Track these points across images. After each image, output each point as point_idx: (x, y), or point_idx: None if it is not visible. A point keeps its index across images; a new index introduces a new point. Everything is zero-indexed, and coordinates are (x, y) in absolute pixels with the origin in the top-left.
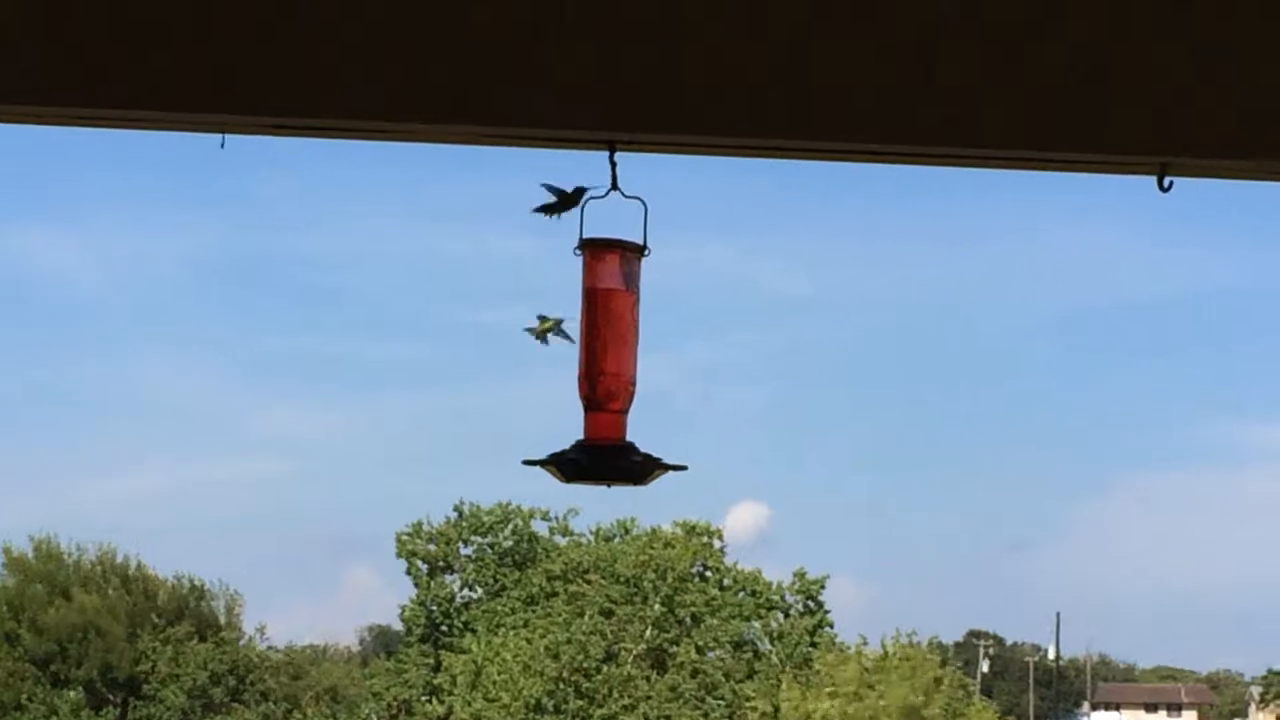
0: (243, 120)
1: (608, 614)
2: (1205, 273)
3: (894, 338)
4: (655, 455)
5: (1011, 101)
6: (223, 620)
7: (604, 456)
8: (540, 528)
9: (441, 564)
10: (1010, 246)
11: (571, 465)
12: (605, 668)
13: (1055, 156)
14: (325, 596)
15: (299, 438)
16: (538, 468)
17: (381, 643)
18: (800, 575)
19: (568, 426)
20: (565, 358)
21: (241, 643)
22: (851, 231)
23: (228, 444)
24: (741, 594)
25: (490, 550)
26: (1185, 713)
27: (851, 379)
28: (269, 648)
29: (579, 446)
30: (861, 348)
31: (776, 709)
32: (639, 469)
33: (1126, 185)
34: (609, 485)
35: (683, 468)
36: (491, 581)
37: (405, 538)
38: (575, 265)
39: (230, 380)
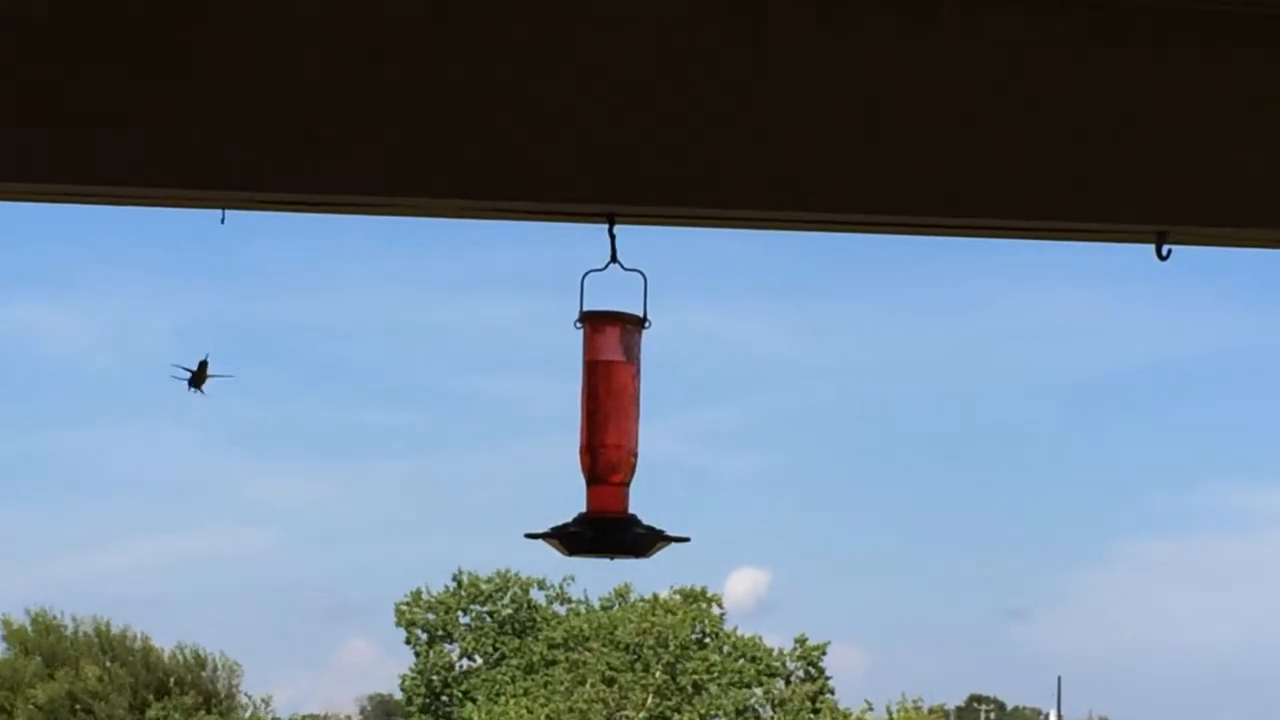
0: (234, 196)
1: (609, 682)
2: (1200, 336)
3: (890, 404)
4: (658, 527)
5: (1003, 169)
6: (223, 691)
7: (607, 530)
8: (538, 596)
9: (441, 633)
10: (1003, 310)
11: (574, 539)
12: None
13: (1051, 225)
14: (322, 666)
15: (291, 507)
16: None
17: (382, 711)
18: (801, 641)
19: (561, 494)
20: (557, 425)
21: (247, 714)
22: (848, 296)
23: (220, 514)
24: (742, 661)
25: (490, 619)
26: None
27: (849, 445)
28: (274, 718)
29: (581, 519)
30: (858, 414)
31: None
32: (642, 542)
33: (1120, 248)
34: (612, 558)
35: (685, 539)
36: (491, 650)
37: (404, 607)
38: (567, 333)
39: (221, 449)
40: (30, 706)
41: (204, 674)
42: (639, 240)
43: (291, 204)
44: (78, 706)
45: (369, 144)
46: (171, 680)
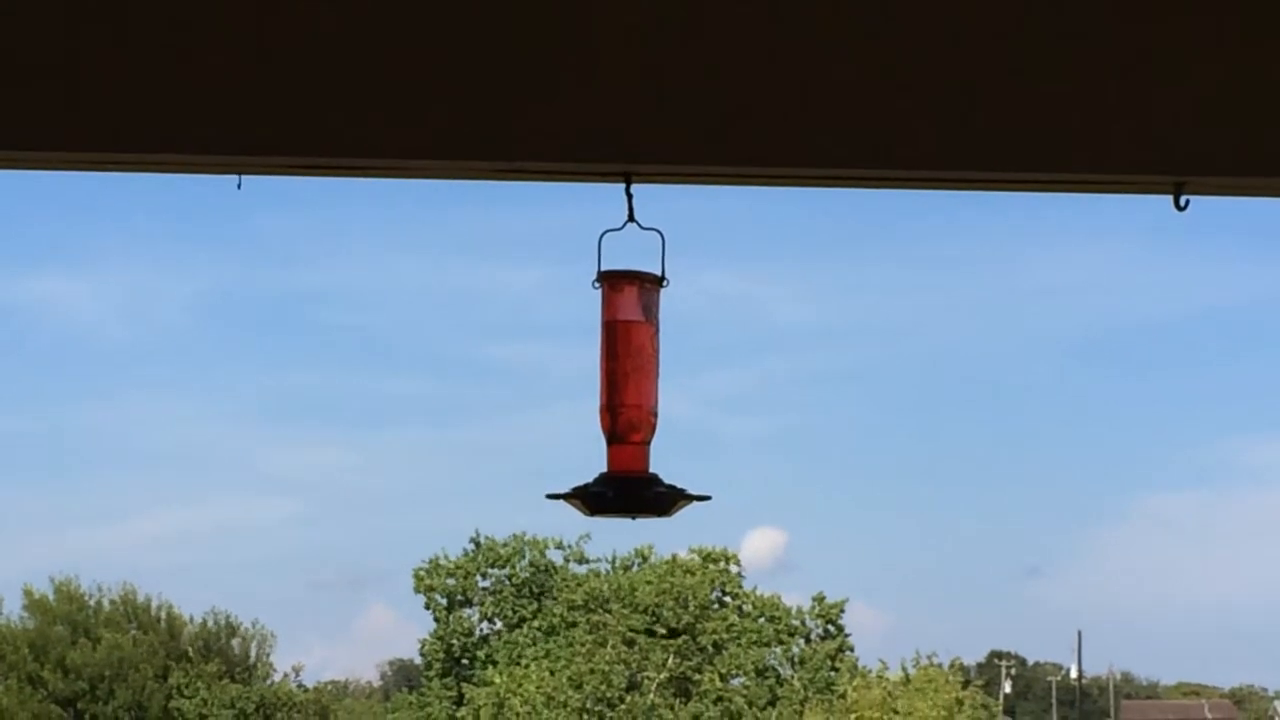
0: (256, 161)
1: (629, 643)
2: (1218, 289)
3: (907, 363)
4: (678, 486)
5: (1021, 122)
6: (252, 658)
7: (629, 489)
8: (556, 556)
9: (460, 598)
10: (1019, 267)
11: (596, 498)
12: (629, 697)
13: (1068, 177)
14: (342, 633)
15: (310, 476)
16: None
17: (403, 677)
18: (819, 600)
19: (579, 457)
20: (575, 390)
21: (270, 682)
22: (864, 256)
23: (239, 484)
24: (761, 620)
25: (508, 582)
26: None
27: (865, 404)
28: (299, 684)
29: (603, 479)
30: (876, 373)
31: None
32: (664, 500)
33: (1134, 202)
34: (634, 518)
35: (706, 498)
36: (510, 613)
37: (423, 573)
38: (586, 298)
39: (240, 419)
40: (58, 674)
41: (231, 642)
42: (656, 200)
43: (304, 168)
44: (107, 673)
45: (381, 108)
46: (196, 647)
